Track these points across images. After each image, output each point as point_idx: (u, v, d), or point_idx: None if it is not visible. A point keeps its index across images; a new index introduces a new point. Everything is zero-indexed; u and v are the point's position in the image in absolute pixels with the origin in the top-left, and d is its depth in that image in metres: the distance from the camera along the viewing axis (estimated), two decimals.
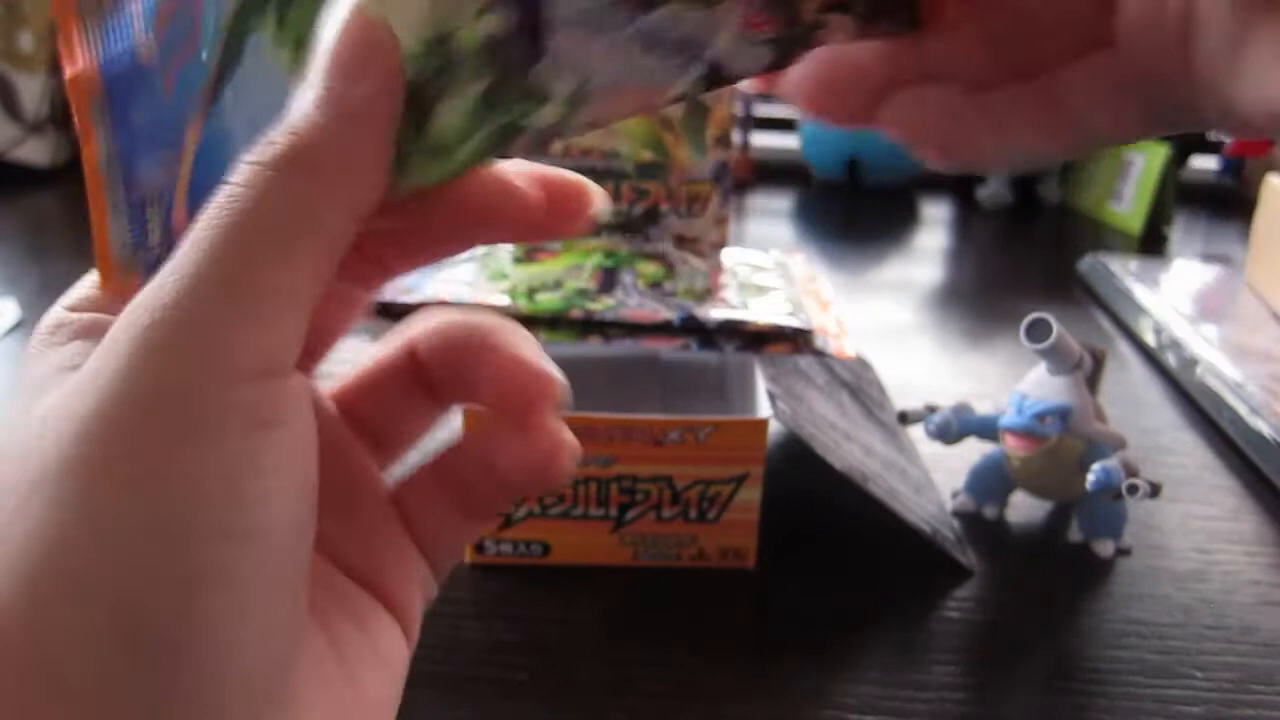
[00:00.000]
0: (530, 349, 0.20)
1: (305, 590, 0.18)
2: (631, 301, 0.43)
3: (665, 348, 0.42)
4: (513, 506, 0.22)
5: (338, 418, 0.22)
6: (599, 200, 0.20)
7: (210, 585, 0.15)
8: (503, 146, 0.19)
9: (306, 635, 0.18)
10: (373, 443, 0.22)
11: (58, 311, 0.19)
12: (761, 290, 0.47)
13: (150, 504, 0.15)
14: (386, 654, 0.20)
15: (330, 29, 0.18)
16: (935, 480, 0.47)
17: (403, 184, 0.19)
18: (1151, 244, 0.91)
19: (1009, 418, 0.43)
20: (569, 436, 0.20)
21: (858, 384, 0.51)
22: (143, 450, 0.15)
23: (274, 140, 0.17)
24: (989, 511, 0.45)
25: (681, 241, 0.52)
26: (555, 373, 0.20)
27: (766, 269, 0.51)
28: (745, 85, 0.21)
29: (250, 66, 0.20)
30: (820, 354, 0.44)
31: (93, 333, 0.18)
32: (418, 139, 0.19)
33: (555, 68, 0.19)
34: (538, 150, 0.19)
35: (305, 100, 0.18)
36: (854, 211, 0.99)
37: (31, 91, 0.92)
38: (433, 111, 0.19)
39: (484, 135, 0.19)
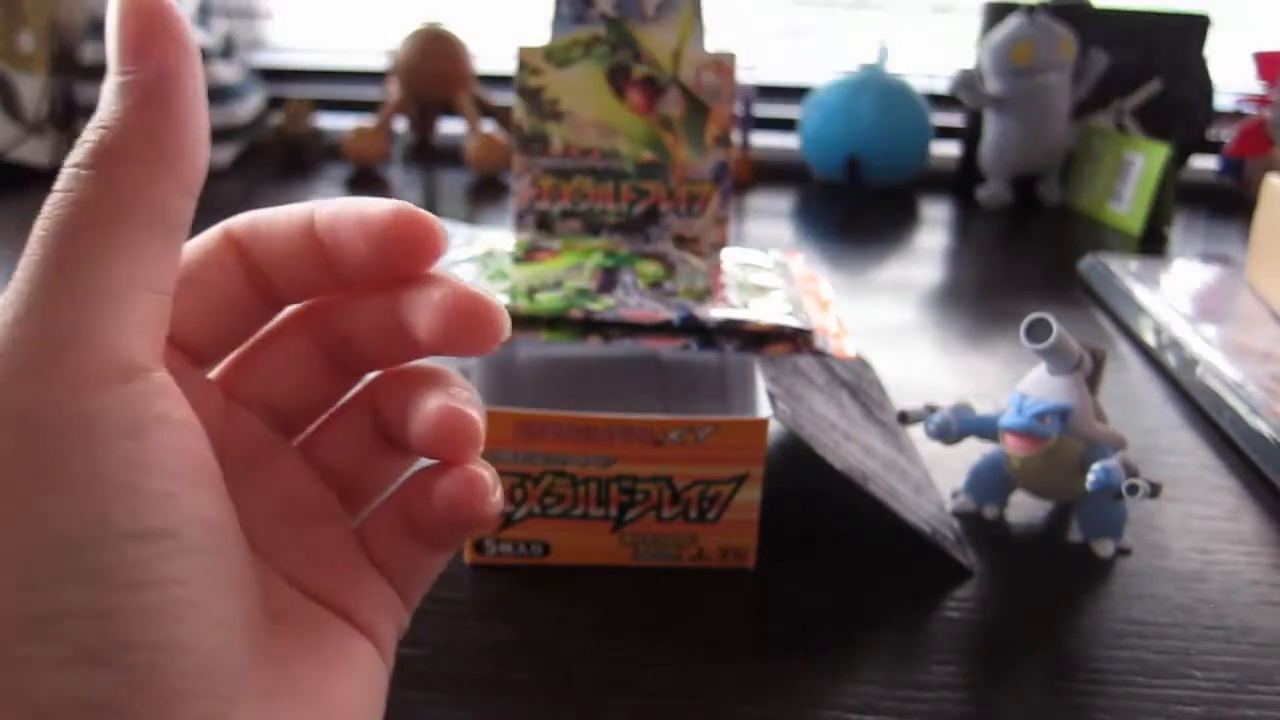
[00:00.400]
0: (458, 395, 0.21)
1: (252, 589, 0.18)
2: (631, 301, 0.43)
3: (665, 348, 0.42)
4: (461, 540, 0.22)
5: (297, 456, 0.22)
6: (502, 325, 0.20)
7: (134, 588, 0.15)
8: None
9: (274, 639, 0.19)
10: (343, 488, 0.23)
11: None
12: (761, 290, 0.47)
13: (43, 523, 0.15)
14: (363, 670, 0.21)
15: (110, 10, 0.18)
16: (935, 480, 0.47)
17: None
18: (1151, 244, 0.91)
19: (1009, 418, 0.43)
20: (486, 475, 0.21)
21: (858, 384, 0.51)
22: (21, 475, 0.15)
23: (85, 139, 0.17)
24: (989, 511, 0.45)
25: (681, 241, 0.52)
26: (477, 418, 0.20)
27: (766, 269, 0.51)
28: None
29: None
30: (820, 354, 0.44)
31: None
32: None
33: None
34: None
35: (106, 90, 0.18)
36: (854, 211, 0.99)
37: (31, 91, 0.92)
38: None
39: None
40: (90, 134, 0.17)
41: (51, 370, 0.16)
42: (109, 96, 0.17)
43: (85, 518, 0.15)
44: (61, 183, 0.17)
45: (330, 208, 0.20)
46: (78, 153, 0.17)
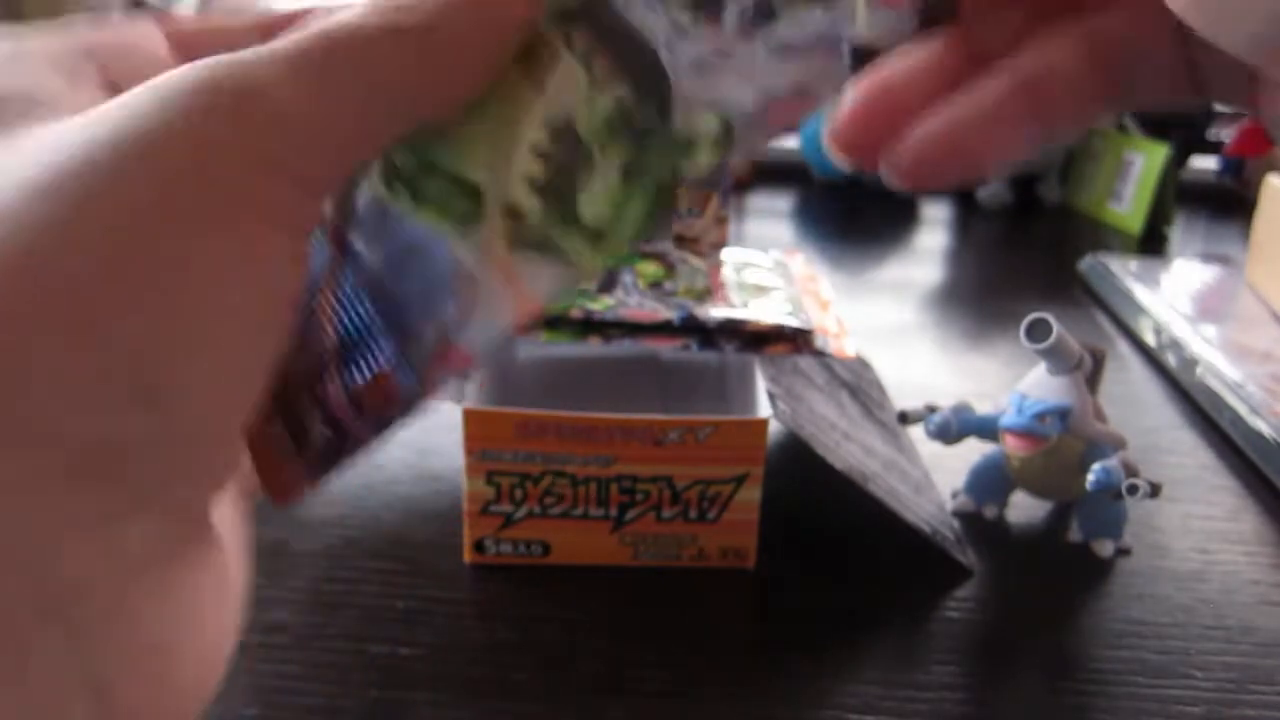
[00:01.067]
0: None
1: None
2: (631, 301, 0.43)
3: (665, 348, 0.42)
4: None
5: None
6: None
7: (211, 346, 0.15)
8: (664, 203, 0.19)
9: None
10: None
11: (92, 40, 0.19)
12: (761, 290, 0.47)
13: (153, 261, 0.15)
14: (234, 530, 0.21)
15: None
16: (935, 480, 0.47)
17: (571, 275, 0.19)
18: (1151, 244, 0.91)
19: (1009, 418, 0.43)
20: None
21: (858, 384, 0.51)
22: (151, 220, 0.15)
23: (408, 5, 0.17)
24: (989, 511, 0.45)
25: (681, 241, 0.52)
26: None
27: (766, 269, 0.51)
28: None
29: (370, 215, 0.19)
30: (820, 354, 0.43)
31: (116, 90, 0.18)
32: (571, 228, 0.18)
33: (691, 113, 0.18)
34: (706, 185, 0.19)
35: None
36: (854, 211, 0.99)
37: None
38: (578, 200, 0.18)
39: (639, 202, 0.19)
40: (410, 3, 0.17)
41: (245, 139, 0.16)
42: None
43: (184, 276, 0.15)
44: (375, 16, 0.17)
45: None
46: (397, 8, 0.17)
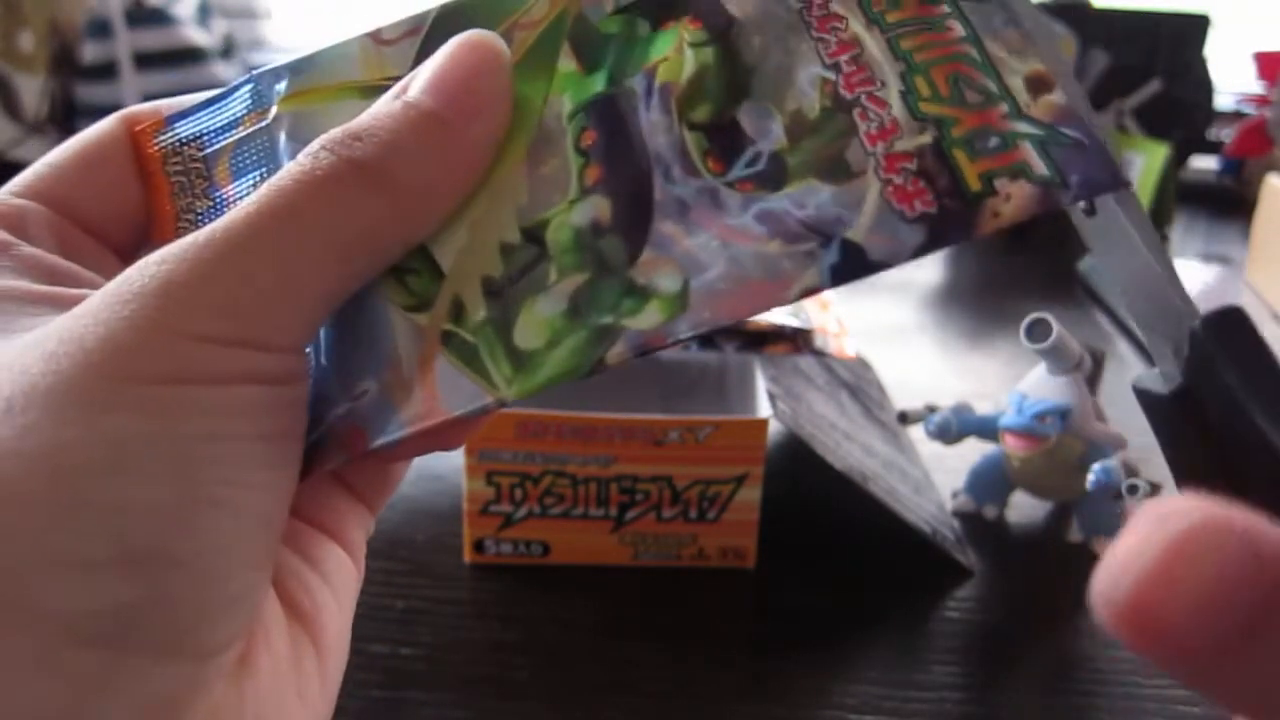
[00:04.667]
0: None
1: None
2: None
3: None
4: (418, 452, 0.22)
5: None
6: None
7: (213, 508, 0.15)
8: (597, 353, 0.16)
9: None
10: None
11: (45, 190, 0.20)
12: None
13: (164, 428, 0.15)
14: (335, 580, 0.21)
15: (448, 46, 0.17)
16: (935, 480, 0.47)
17: (487, 398, 0.17)
18: None
19: (1009, 418, 0.43)
20: None
21: (858, 384, 0.51)
22: (160, 381, 0.15)
23: (361, 139, 0.16)
24: (989, 511, 0.45)
25: None
26: None
27: None
28: None
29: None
30: (820, 354, 0.44)
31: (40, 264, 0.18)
32: (500, 348, 0.17)
33: (659, 260, 0.16)
34: (637, 358, 0.17)
35: (409, 115, 0.16)
36: None
37: (31, 91, 0.92)
38: (518, 319, 0.17)
39: (576, 340, 0.17)
40: (369, 138, 0.16)
41: (221, 318, 0.16)
42: (408, 122, 0.16)
43: (196, 433, 0.15)
44: (320, 164, 0.16)
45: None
46: (348, 147, 0.16)
